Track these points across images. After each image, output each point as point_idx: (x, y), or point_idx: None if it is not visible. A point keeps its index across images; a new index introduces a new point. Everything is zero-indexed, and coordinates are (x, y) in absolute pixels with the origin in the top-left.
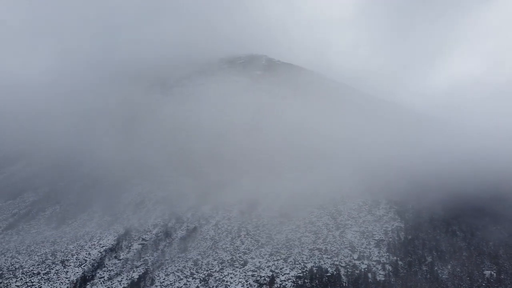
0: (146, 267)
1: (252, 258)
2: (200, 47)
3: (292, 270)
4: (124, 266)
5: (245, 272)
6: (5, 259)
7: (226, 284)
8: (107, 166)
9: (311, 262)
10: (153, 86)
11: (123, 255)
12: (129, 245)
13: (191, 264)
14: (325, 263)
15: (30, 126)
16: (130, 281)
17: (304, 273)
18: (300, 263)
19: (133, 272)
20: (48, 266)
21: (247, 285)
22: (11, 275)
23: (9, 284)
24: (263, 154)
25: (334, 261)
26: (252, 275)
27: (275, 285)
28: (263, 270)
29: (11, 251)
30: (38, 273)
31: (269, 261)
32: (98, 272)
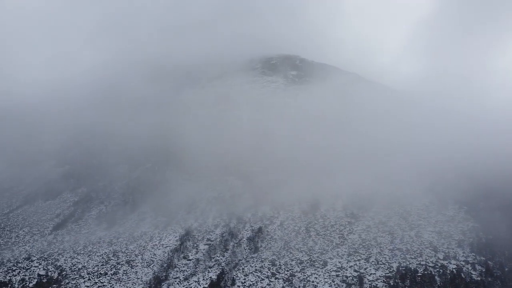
0: (221, 268)
1: (330, 258)
2: (229, 47)
3: (377, 270)
4: (197, 266)
5: (328, 273)
6: (65, 259)
7: (313, 285)
8: (144, 166)
9: (395, 262)
10: (183, 86)
11: (191, 255)
12: (195, 245)
13: (269, 264)
14: (410, 263)
15: (58, 126)
16: (209, 281)
17: (392, 273)
18: (384, 263)
19: (208, 272)
20: (114, 267)
21: (334, 285)
22: (77, 275)
23: (78, 284)
24: (309, 154)
25: (420, 261)
26: (337, 275)
27: (365, 285)
28: (346, 270)
29: (68, 251)
30: (106, 274)
31: (350, 261)
32: (171, 273)
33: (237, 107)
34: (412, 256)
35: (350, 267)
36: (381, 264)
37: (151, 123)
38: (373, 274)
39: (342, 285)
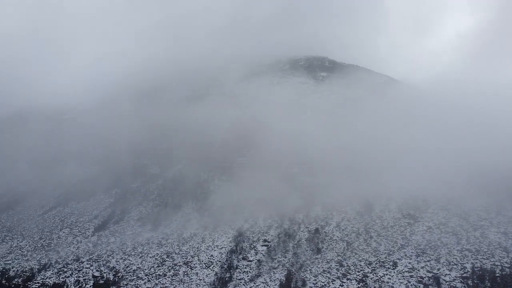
0: (286, 269)
1: (398, 259)
2: (255, 48)
3: (450, 271)
4: (260, 267)
5: (401, 273)
6: (116, 261)
7: (388, 285)
8: (176, 167)
9: (468, 262)
10: (209, 88)
11: (251, 256)
12: (252, 246)
13: (336, 265)
14: (484, 264)
15: (85, 127)
16: (277, 282)
17: (467, 273)
18: (456, 264)
19: (273, 273)
20: (172, 268)
21: (411, 286)
22: (134, 277)
23: (138, 285)
24: (349, 156)
25: (494, 261)
26: (411, 276)
27: (443, 286)
28: (419, 271)
29: (117, 252)
30: (165, 275)
31: (420, 262)
32: (234, 273)
33: (268, 108)
34: (484, 257)
35: (422, 267)
36: (453, 265)
37: (179, 125)
38: (448, 274)
39: (419, 286)
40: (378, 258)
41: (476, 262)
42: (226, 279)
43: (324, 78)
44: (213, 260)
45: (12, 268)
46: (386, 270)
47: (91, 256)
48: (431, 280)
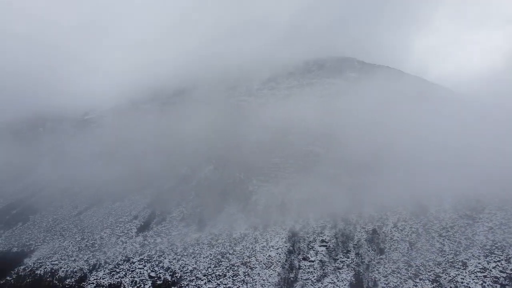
0: (352, 269)
1: (467, 259)
2: (280, 49)
3: None
4: (323, 267)
5: (474, 274)
6: (169, 261)
7: (464, 285)
8: (207, 168)
9: None
10: (237, 88)
11: (312, 257)
12: (310, 246)
13: (404, 266)
14: None
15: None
16: (347, 282)
17: None
18: None
19: (339, 273)
20: (230, 268)
21: (487, 286)
22: (193, 277)
23: (199, 285)
24: (387, 156)
25: None
26: (484, 276)
27: None
28: (491, 271)
29: (167, 253)
30: (224, 275)
31: (490, 262)
32: (298, 274)
33: (299, 109)
34: None
35: (494, 268)
36: None
37: (206, 126)
38: None
39: (496, 286)
40: (446, 259)
41: None
42: (291, 279)
43: (355, 79)
44: (272, 261)
45: (61, 268)
46: (457, 270)
47: (141, 257)
48: (507, 280)
